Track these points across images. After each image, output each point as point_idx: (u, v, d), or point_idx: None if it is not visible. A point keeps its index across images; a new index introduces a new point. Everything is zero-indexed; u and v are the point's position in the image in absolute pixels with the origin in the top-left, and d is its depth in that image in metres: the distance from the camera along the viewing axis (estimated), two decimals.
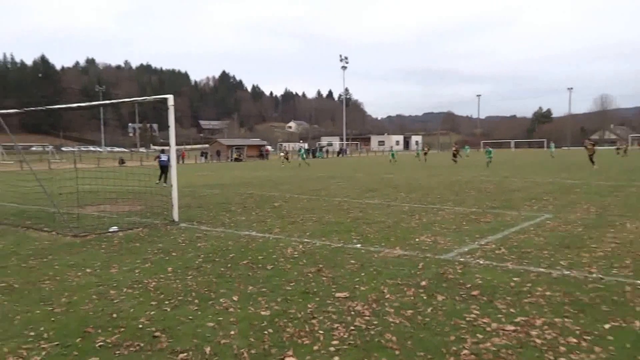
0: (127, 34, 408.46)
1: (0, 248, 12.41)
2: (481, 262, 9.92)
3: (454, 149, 58.78)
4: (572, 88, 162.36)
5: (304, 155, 63.10)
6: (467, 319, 6.76)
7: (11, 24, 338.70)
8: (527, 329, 6.38)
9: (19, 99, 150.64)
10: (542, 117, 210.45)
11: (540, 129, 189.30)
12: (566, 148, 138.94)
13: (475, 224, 14.47)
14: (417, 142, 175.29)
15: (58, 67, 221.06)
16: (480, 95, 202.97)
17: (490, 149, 54.66)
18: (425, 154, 65.25)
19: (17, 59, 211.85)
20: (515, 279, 8.64)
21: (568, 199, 19.92)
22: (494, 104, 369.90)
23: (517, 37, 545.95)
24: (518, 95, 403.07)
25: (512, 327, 6.42)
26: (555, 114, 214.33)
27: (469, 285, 8.29)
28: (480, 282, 8.51)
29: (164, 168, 34.88)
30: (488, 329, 6.41)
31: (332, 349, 5.91)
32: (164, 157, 35.57)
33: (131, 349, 6.05)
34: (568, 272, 9.01)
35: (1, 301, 8.09)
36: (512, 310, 7.07)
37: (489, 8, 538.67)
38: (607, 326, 6.40)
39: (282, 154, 65.39)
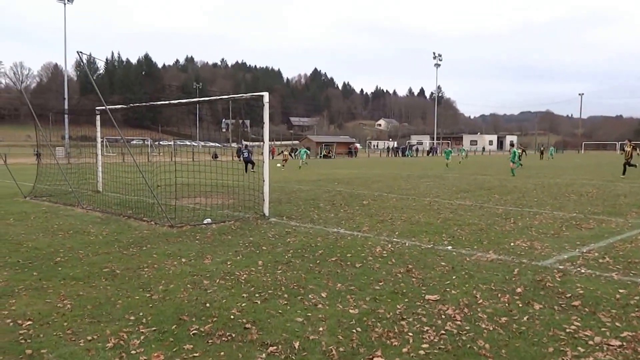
0: (224, 34, 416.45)
1: (104, 235, 12.83)
2: (583, 270, 9.36)
3: (520, 150, 55.45)
4: None
5: (304, 156, 54.30)
6: (567, 330, 6.42)
7: (119, 24, 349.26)
8: (634, 345, 5.97)
9: (123, 95, 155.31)
10: None
11: None
12: None
13: (576, 230, 13.68)
14: (512, 142, 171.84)
15: (160, 65, 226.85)
16: (582, 94, 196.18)
17: (450, 149, 53.40)
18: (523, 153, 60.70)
19: (123, 58, 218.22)
20: (621, 290, 8.06)
21: None
22: (597, 102, 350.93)
23: (623, 30, 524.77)
24: (624, 93, 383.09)
25: (617, 342, 6.03)
26: None
27: (569, 295, 7.84)
28: (581, 292, 8.02)
29: (248, 162, 35.67)
30: (590, 342, 6.05)
31: (421, 352, 5.79)
32: (245, 153, 36.45)
33: (223, 338, 6.14)
34: None
35: (104, 285, 8.37)
36: (617, 324, 6.63)
37: (593, 1, 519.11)
38: None
39: (285, 153, 57.38)
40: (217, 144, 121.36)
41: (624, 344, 6.00)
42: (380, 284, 8.49)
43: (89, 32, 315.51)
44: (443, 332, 6.37)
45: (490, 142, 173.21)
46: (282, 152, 60.20)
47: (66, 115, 49.84)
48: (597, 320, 6.76)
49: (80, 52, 15.61)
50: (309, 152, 56.90)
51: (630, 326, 6.56)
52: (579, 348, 5.90)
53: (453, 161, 57.30)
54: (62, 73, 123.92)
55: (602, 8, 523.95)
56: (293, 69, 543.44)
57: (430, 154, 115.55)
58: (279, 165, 50.49)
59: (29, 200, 20.51)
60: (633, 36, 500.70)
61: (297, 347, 5.89)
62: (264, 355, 5.70)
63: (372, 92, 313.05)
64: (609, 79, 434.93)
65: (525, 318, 6.86)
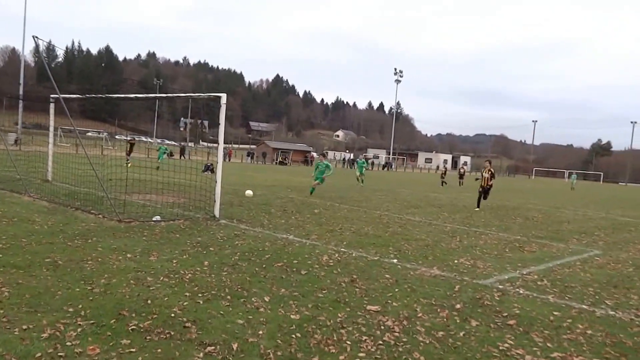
0: (188, 32, 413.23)
1: (50, 225, 12.65)
2: (521, 291, 9.64)
3: (442, 171, 55.50)
4: (635, 122, 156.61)
5: (162, 156, 41.42)
6: (501, 347, 6.57)
7: (81, 13, 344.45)
8: None
9: (81, 85, 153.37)
10: (601, 149, 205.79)
11: (598, 161, 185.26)
12: (623, 184, 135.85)
13: (519, 252, 14.06)
14: (465, 163, 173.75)
15: (121, 58, 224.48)
16: (536, 121, 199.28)
17: (363, 160, 52.60)
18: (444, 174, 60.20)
19: (84, 47, 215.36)
20: (555, 312, 8.32)
21: (620, 236, 19.14)
22: (550, 131, 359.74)
23: (578, 65, 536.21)
24: (576, 124, 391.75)
25: None
26: (616, 147, 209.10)
27: (505, 314, 8.04)
28: (518, 311, 8.23)
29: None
30: None
31: None
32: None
33: (162, 335, 6.12)
34: (613, 313, 8.64)
35: (45, 275, 8.25)
36: (549, 344, 6.83)
37: (552, 34, 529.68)
38: None
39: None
40: (174, 143, 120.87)
41: None
42: (324, 292, 8.54)
43: (51, 18, 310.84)
44: (381, 342, 6.45)
45: (445, 161, 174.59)
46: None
47: (20, 101, 49.05)
48: (530, 340, 6.95)
49: (37, 37, 15.20)
50: (167, 150, 46.47)
51: (561, 347, 6.76)
52: None
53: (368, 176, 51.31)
54: (19, 58, 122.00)
55: (557, 40, 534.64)
56: (255, 74, 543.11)
57: (386, 169, 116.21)
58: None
59: None
60: (586, 69, 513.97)
61: (235, 348, 5.89)
62: (201, 354, 5.68)
63: (332, 103, 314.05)
64: (562, 108, 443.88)
65: (461, 334, 6.99)
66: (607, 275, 11.76)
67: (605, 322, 8.08)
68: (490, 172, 25.93)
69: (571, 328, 7.60)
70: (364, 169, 39.59)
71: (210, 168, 37.41)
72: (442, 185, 49.02)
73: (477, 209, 25.04)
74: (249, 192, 17.93)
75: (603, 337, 7.31)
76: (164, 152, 44.06)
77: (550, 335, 7.22)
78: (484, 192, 26.09)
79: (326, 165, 27.75)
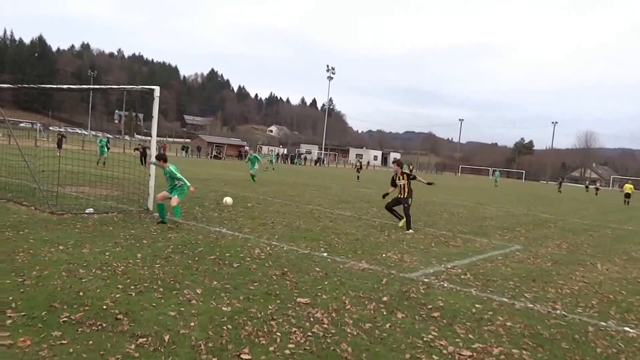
0: (123, 23, 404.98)
1: None
2: (445, 285, 9.81)
3: (358, 164, 56.43)
4: (556, 122, 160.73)
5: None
6: (425, 339, 6.70)
7: (13, 0, 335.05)
8: (483, 356, 6.33)
9: (14, 75, 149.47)
10: (524, 147, 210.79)
11: (520, 159, 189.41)
12: (544, 182, 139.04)
13: (444, 246, 14.30)
14: (394, 159, 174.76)
15: (54, 48, 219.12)
16: (462, 120, 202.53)
17: (255, 155, 51.93)
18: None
19: (16, 37, 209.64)
20: (477, 305, 8.53)
21: (541, 232, 19.63)
22: (476, 130, 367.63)
23: (504, 67, 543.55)
24: (501, 124, 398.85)
25: (468, 353, 6.36)
26: (537, 146, 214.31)
27: (430, 306, 8.19)
28: (442, 304, 8.41)
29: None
30: (444, 351, 6.36)
31: (287, 351, 5.92)
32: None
33: (93, 327, 6.06)
34: (532, 305, 8.88)
35: None
36: (470, 335, 7.00)
37: (480, 37, 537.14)
38: None
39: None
40: (109, 135, 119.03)
41: (474, 354, 6.36)
42: (255, 284, 8.57)
43: None
44: (310, 334, 6.52)
45: (375, 158, 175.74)
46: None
47: None
48: (453, 332, 7.11)
49: None
50: (108, 143, 39.89)
51: (482, 338, 6.94)
52: (434, 356, 6.19)
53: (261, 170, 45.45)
54: None
55: (484, 43, 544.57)
56: (190, 67, 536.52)
57: (318, 164, 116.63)
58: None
59: None
60: (512, 71, 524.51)
61: (167, 340, 5.88)
62: (133, 346, 5.66)
63: (266, 98, 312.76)
64: (488, 108, 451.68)
65: (387, 325, 7.12)
66: (526, 269, 12.05)
67: (524, 314, 8.31)
68: (406, 176, 17.56)
69: (492, 320, 7.79)
70: (256, 164, 35.26)
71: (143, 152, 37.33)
72: (357, 179, 49.69)
73: (409, 230, 16.64)
74: (227, 200, 17.69)
75: (522, 328, 7.53)
76: (106, 145, 37.80)
77: (472, 327, 7.39)
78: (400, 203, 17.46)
79: (255, 156, 34.02)
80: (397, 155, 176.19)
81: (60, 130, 75.92)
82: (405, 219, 16.90)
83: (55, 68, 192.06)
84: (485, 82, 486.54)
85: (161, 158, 14.44)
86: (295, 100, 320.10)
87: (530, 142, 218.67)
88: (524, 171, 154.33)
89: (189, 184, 14.06)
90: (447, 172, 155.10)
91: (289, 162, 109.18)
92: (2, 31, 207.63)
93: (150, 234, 12.06)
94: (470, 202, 33.67)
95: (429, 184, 19.10)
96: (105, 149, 36.65)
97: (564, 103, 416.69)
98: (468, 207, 28.68)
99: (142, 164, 31.91)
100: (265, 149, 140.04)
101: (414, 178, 17.60)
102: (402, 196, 17.18)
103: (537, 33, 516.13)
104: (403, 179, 17.33)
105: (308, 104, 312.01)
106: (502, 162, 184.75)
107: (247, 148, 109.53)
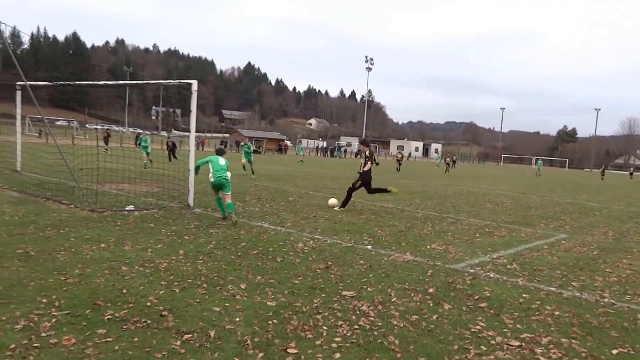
0: (158, 18, 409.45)
1: (20, 216, 12.53)
2: (491, 275, 9.84)
3: (399, 156, 55.88)
4: (599, 109, 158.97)
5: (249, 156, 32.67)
6: (472, 330, 6.74)
7: None
8: (532, 346, 6.33)
9: (48, 73, 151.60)
10: (567, 135, 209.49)
11: (563, 147, 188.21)
12: (588, 170, 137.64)
13: (489, 237, 14.31)
14: (436, 150, 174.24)
15: (89, 45, 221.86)
16: (504, 109, 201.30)
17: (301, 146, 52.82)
18: (452, 162, 60.80)
19: (50, 34, 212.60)
20: (524, 295, 8.54)
21: (586, 220, 19.56)
22: (518, 118, 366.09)
23: (547, 53, 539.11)
24: (543, 112, 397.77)
25: (517, 343, 6.38)
26: (581, 134, 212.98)
27: (476, 297, 8.23)
28: (488, 294, 8.44)
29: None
30: (492, 342, 6.38)
31: (334, 345, 5.95)
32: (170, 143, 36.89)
33: (138, 324, 6.13)
34: (579, 294, 8.88)
35: (17, 267, 8.19)
36: (518, 326, 7.01)
37: (521, 23, 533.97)
38: (614, 352, 6.32)
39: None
40: (146, 132, 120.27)
41: (523, 344, 6.36)
42: (300, 278, 8.62)
43: (13, 3, 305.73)
44: (356, 327, 6.55)
45: (417, 149, 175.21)
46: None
47: None
48: (500, 322, 7.13)
49: (0, 22, 15.03)
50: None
51: (530, 328, 6.95)
52: (482, 347, 6.21)
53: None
54: None
55: (526, 30, 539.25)
56: (227, 61, 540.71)
57: (358, 156, 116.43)
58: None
59: None
60: (552, 57, 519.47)
61: (212, 335, 5.93)
62: (178, 342, 5.71)
63: (304, 91, 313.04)
64: (530, 96, 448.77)
65: (434, 317, 7.14)
66: (573, 258, 12.05)
67: (572, 303, 8.31)
68: (364, 157, 18.41)
69: (540, 310, 7.81)
70: (251, 155, 32.71)
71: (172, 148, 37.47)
72: (397, 171, 49.46)
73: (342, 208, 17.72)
74: (332, 201, 17.83)
75: (570, 317, 7.52)
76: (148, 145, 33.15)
77: (519, 317, 7.41)
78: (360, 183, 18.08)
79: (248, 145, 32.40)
80: (439, 147, 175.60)
81: (107, 128, 77.45)
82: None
83: (90, 65, 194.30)
84: (526, 70, 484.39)
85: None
86: (334, 93, 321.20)
87: (574, 130, 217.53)
88: (567, 159, 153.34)
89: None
90: (489, 162, 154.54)
91: (329, 155, 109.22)
92: (35, 29, 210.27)
93: (192, 231, 12.17)
94: (513, 191, 33.61)
95: (376, 164, 19.51)
96: (148, 149, 32.99)
97: (606, 89, 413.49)
98: (511, 197, 28.63)
99: (169, 160, 32.08)
100: (304, 142, 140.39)
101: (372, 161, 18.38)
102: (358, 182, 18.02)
103: (577, 18, 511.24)
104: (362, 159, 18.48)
105: (347, 95, 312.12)
106: (545, 150, 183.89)
107: (287, 142, 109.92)
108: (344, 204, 17.65)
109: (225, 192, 13.84)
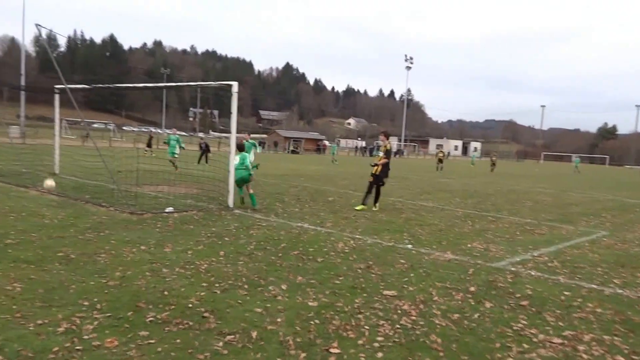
0: (195, 19, 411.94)
1: (60, 219, 12.70)
2: (532, 273, 9.88)
3: (441, 154, 55.42)
4: None
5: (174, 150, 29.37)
6: (514, 328, 6.77)
7: (83, 1, 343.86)
8: (574, 343, 6.35)
9: (85, 75, 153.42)
10: (607, 132, 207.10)
11: (604, 144, 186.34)
12: (629, 167, 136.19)
13: (530, 235, 14.35)
14: (475, 149, 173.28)
15: (126, 47, 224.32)
16: (544, 106, 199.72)
17: (335, 145, 53.57)
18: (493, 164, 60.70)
19: (87, 37, 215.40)
20: (566, 292, 8.58)
21: (627, 217, 19.59)
22: (558, 116, 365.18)
23: (588, 50, 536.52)
24: (583, 109, 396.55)
25: (559, 340, 6.41)
26: (621, 131, 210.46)
27: (518, 295, 8.28)
28: (530, 292, 8.48)
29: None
30: (535, 339, 6.41)
31: (376, 344, 5.98)
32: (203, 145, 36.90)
33: (180, 326, 6.19)
34: (621, 291, 8.90)
35: (58, 270, 8.31)
36: (560, 323, 7.04)
37: (561, 19, 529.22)
38: None
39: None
40: (184, 133, 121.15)
41: (565, 342, 6.40)
42: (341, 278, 8.67)
43: (51, 6, 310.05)
44: (398, 326, 6.59)
45: (456, 147, 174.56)
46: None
47: (22, 93, 49.01)
48: (542, 319, 7.18)
49: (39, 25, 15.30)
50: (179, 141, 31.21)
51: (572, 326, 6.98)
52: (524, 344, 6.25)
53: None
54: (19, 47, 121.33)
55: (565, 27, 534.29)
56: (265, 62, 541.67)
57: (397, 155, 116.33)
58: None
59: None
60: (592, 55, 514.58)
61: (254, 336, 5.98)
62: (221, 343, 5.77)
63: (343, 91, 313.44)
64: (569, 93, 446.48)
65: (476, 315, 7.19)
66: (614, 255, 12.09)
67: (614, 300, 8.35)
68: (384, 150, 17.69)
69: (581, 307, 7.85)
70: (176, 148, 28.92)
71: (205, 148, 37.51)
72: (437, 170, 49.25)
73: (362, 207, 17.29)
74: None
75: (612, 314, 7.56)
76: (178, 143, 30.18)
77: (561, 314, 7.46)
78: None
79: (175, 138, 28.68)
80: (478, 145, 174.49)
81: (151, 130, 78.36)
82: (368, 197, 17.43)
83: (127, 67, 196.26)
84: (567, 67, 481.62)
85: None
86: (373, 92, 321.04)
87: (614, 127, 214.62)
88: (607, 156, 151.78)
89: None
90: (528, 160, 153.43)
91: (368, 155, 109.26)
92: (72, 31, 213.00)
93: (232, 232, 12.25)
94: (553, 189, 33.62)
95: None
96: (176, 149, 29.46)
97: None
98: (552, 194, 28.71)
99: (198, 162, 31.96)
100: (343, 142, 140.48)
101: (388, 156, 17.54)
102: (376, 172, 17.40)
103: (616, 15, 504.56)
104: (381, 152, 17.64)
105: (386, 95, 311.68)
106: (585, 147, 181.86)
107: (325, 142, 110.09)
108: (375, 200, 17.49)
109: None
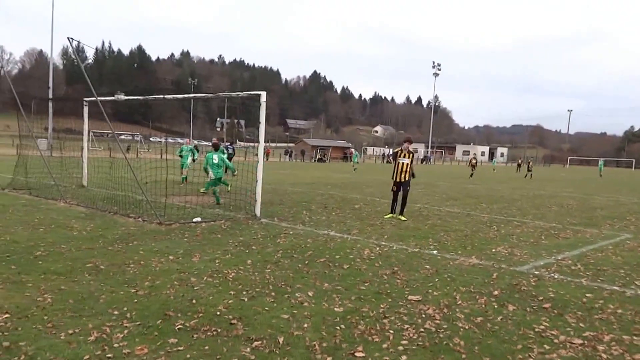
0: (223, 29, 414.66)
1: (88, 231, 12.89)
2: (556, 276, 9.99)
3: (474, 161, 55.70)
4: None
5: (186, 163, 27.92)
6: (536, 329, 6.88)
7: (112, 12, 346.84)
8: (594, 343, 6.45)
9: (113, 87, 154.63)
10: (633, 136, 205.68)
11: (630, 148, 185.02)
12: None
13: (554, 239, 14.45)
14: (502, 154, 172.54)
15: (153, 58, 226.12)
16: (571, 111, 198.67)
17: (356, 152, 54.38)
18: (521, 166, 60.24)
19: (115, 48, 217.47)
20: (588, 295, 8.69)
21: None
22: (585, 119, 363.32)
23: (611, 54, 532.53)
24: (610, 112, 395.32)
25: (579, 341, 6.51)
26: None
27: (541, 298, 8.39)
28: (552, 295, 8.60)
29: (229, 159, 35.79)
30: (556, 340, 6.52)
31: (400, 348, 6.10)
32: (230, 149, 36.67)
33: (208, 333, 6.32)
34: None
35: (87, 280, 8.46)
36: (581, 324, 7.15)
37: (586, 23, 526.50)
38: None
39: None
40: (195, 141, 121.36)
41: (585, 342, 6.51)
42: (366, 284, 8.78)
43: (79, 18, 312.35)
44: (422, 330, 6.71)
45: (483, 153, 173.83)
46: None
47: (50, 105, 49.40)
48: (564, 321, 7.28)
49: (71, 39, 15.48)
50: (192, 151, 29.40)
51: (593, 327, 7.09)
52: (545, 346, 6.35)
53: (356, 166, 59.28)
54: (46, 60, 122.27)
55: (587, 31, 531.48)
56: (292, 70, 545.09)
57: (424, 162, 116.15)
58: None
59: (7, 192, 20.25)
60: (617, 59, 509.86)
61: (281, 342, 6.10)
62: (248, 349, 5.89)
63: (370, 98, 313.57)
64: (595, 97, 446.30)
65: (499, 318, 7.30)
66: (637, 257, 12.20)
67: (635, 301, 8.46)
68: (411, 156, 17.53)
69: (603, 308, 7.96)
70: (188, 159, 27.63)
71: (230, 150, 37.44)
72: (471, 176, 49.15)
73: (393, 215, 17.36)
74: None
75: (632, 315, 7.67)
76: (193, 153, 28.63)
77: (582, 316, 7.56)
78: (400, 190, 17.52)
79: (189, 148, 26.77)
80: (504, 150, 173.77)
81: (187, 141, 79.14)
82: (402, 206, 17.13)
83: (155, 78, 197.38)
84: (592, 71, 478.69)
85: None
86: (400, 99, 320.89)
87: None
88: (633, 160, 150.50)
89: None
90: (554, 164, 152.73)
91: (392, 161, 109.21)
92: (100, 43, 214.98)
93: (259, 240, 12.38)
94: (579, 193, 33.78)
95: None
96: (188, 160, 27.61)
97: None
98: (577, 199, 28.83)
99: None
100: (370, 149, 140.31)
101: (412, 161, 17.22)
102: (404, 179, 17.15)
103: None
104: (408, 157, 17.23)
105: (413, 101, 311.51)
106: (612, 151, 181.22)
107: (352, 150, 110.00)
108: (402, 210, 17.19)
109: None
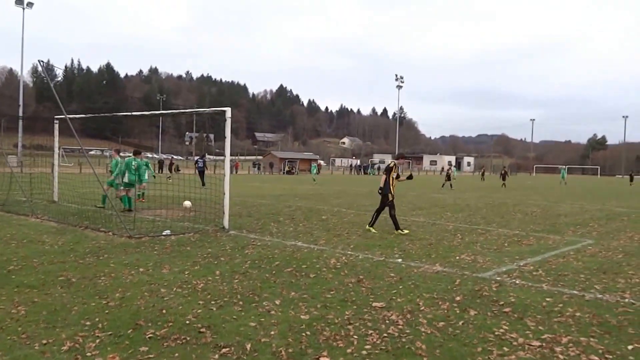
0: (190, 46, 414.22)
1: (60, 245, 12.88)
2: (517, 282, 10.12)
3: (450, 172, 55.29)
4: (627, 116, 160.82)
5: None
6: (496, 333, 7.00)
7: (80, 31, 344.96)
8: (552, 345, 6.59)
9: (82, 104, 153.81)
10: (597, 143, 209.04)
11: (594, 155, 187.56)
12: (620, 176, 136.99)
13: (517, 245, 14.61)
14: (468, 164, 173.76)
15: (122, 74, 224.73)
16: (534, 120, 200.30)
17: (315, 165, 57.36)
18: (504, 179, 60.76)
19: (84, 66, 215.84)
20: (548, 299, 8.82)
21: (613, 226, 19.84)
22: (549, 128, 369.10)
23: (573, 62, 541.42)
24: (573, 120, 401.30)
25: (537, 343, 6.64)
26: (611, 141, 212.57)
27: (502, 303, 8.51)
28: (513, 300, 8.72)
29: (201, 173, 35.58)
30: (514, 343, 6.64)
31: (364, 352, 6.21)
32: (200, 163, 36.49)
33: (178, 341, 6.40)
34: (601, 296, 9.14)
35: (60, 293, 8.49)
36: (540, 327, 7.28)
37: (547, 33, 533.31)
38: (630, 347, 6.56)
39: None
40: (180, 157, 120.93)
41: (544, 344, 6.64)
42: (332, 292, 8.89)
43: (48, 38, 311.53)
44: (385, 335, 6.82)
45: (450, 163, 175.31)
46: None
47: (20, 123, 49.08)
48: (523, 325, 7.41)
49: (41, 62, 15.60)
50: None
51: (551, 329, 7.22)
52: (504, 348, 6.48)
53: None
54: (16, 79, 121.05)
55: (548, 40, 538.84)
56: (259, 85, 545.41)
57: (382, 172, 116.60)
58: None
59: None
60: (580, 67, 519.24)
61: (248, 348, 6.20)
62: (216, 356, 5.99)
63: (337, 111, 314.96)
64: (558, 106, 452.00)
65: (460, 323, 7.42)
66: (597, 262, 12.34)
67: (593, 305, 8.58)
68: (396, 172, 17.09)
69: (562, 312, 8.08)
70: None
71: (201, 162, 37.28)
72: (450, 187, 49.24)
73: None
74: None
75: (590, 318, 7.79)
76: (146, 168, 23.48)
77: (542, 319, 7.69)
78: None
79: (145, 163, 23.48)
80: (471, 160, 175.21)
81: (171, 157, 79.44)
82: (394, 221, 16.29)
83: (124, 94, 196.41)
84: (555, 79, 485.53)
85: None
86: (366, 111, 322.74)
87: (603, 138, 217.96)
88: (598, 167, 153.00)
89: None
90: (520, 173, 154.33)
91: (362, 173, 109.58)
92: (69, 61, 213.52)
93: (227, 252, 12.44)
94: (544, 201, 34.06)
95: (408, 178, 18.62)
96: (134, 177, 20.79)
97: (636, 95, 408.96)
98: (542, 206, 29.11)
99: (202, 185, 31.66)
100: (338, 161, 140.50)
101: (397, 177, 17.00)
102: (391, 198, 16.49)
103: (603, 26, 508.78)
104: (395, 172, 16.84)
105: (379, 113, 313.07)
106: (577, 159, 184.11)
107: (320, 162, 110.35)
108: (396, 227, 16.16)
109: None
